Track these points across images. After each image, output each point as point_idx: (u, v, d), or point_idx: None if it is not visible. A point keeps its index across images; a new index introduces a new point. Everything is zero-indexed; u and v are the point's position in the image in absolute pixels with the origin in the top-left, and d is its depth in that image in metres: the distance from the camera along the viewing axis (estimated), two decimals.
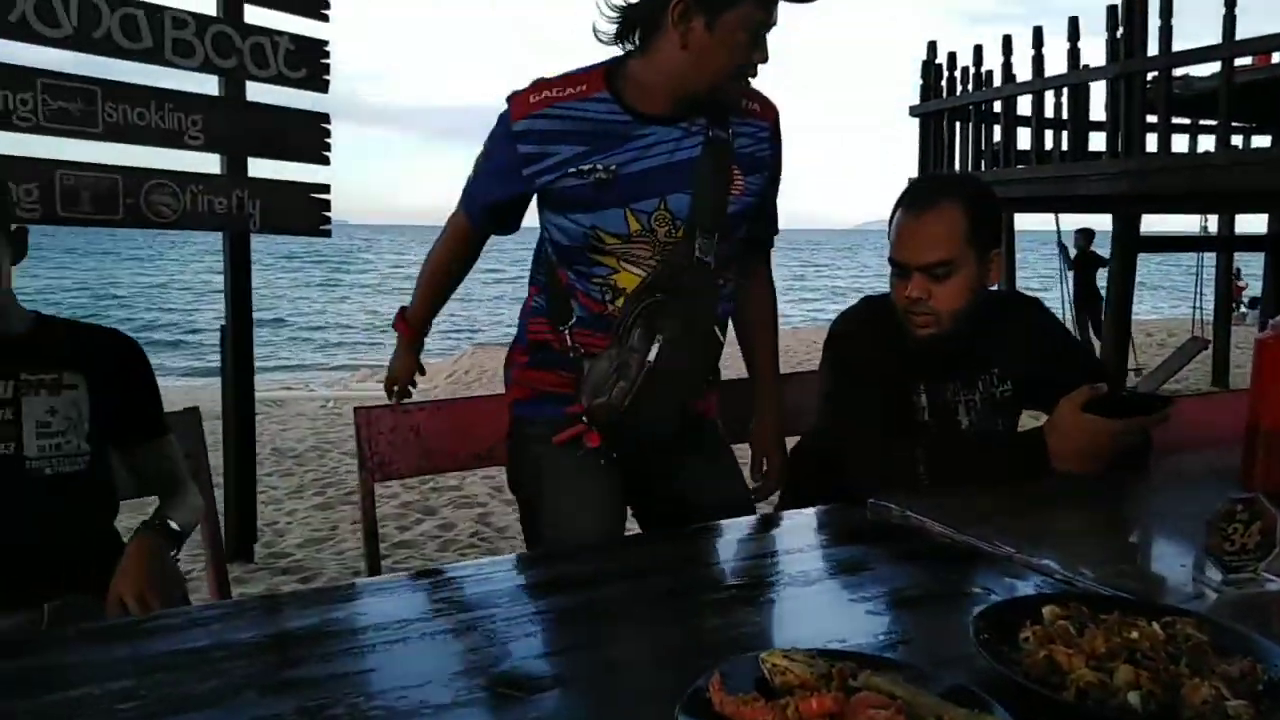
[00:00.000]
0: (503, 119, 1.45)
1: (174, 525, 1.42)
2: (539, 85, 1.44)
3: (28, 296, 1.45)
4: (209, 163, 3.00)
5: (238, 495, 3.15)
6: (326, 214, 3.28)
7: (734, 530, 1.35)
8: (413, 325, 1.74)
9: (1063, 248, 8.36)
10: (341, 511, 4.10)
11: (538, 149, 1.42)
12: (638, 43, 1.42)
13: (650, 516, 1.67)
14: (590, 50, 1.49)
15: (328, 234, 3.30)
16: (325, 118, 3.24)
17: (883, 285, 1.58)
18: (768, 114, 1.53)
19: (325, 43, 3.21)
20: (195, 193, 2.91)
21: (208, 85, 3.00)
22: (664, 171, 1.42)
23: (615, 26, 1.41)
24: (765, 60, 1.41)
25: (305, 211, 3.22)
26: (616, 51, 1.46)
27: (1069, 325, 7.24)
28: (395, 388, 1.79)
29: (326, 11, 3.22)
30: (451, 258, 1.67)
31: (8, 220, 1.34)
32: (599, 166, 1.40)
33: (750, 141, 1.50)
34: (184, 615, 1.09)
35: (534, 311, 1.58)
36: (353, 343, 19.48)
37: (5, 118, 2.54)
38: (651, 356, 1.42)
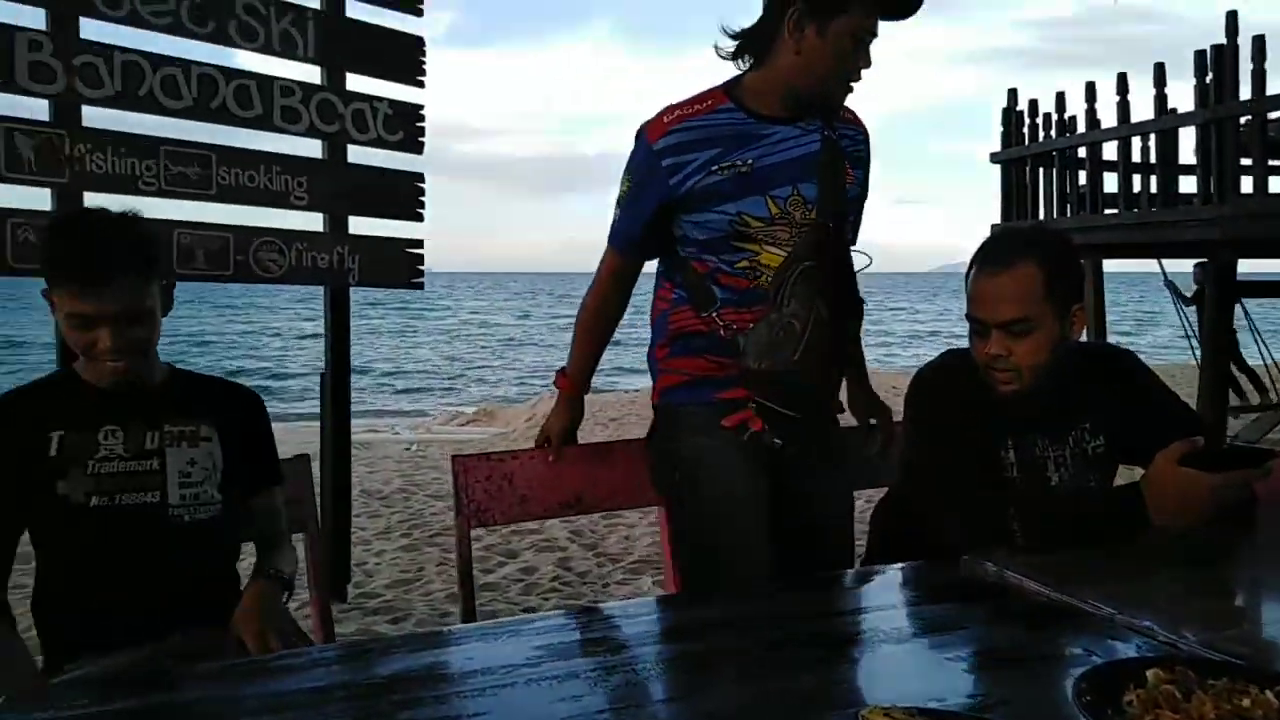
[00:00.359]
0: (641, 146, 1.64)
1: (285, 574, 1.51)
2: (669, 109, 1.63)
3: None
4: (313, 221, 3.17)
5: (334, 536, 3.27)
6: (420, 268, 3.42)
7: (829, 584, 1.36)
8: (573, 379, 1.81)
9: (1171, 286, 8.03)
10: (427, 554, 4.20)
11: (678, 160, 1.60)
12: (753, 59, 1.63)
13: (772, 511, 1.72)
14: (666, 96, 1.65)
15: (420, 287, 3.44)
16: (420, 177, 3.40)
17: (961, 330, 1.60)
18: (860, 124, 1.75)
19: (421, 107, 3.38)
20: (300, 249, 3.08)
21: (312, 149, 3.18)
22: (791, 164, 1.61)
23: (734, 46, 1.64)
24: (868, 66, 1.59)
25: (401, 266, 3.37)
26: (734, 70, 1.66)
27: (1195, 361, 6.89)
28: (549, 441, 1.83)
29: (422, 78, 3.40)
30: (607, 299, 1.77)
31: (162, 275, 1.46)
32: (737, 162, 1.59)
33: (851, 143, 1.71)
34: (306, 655, 1.16)
35: (675, 304, 1.70)
36: (432, 388, 19.97)
37: (132, 183, 2.74)
38: (817, 314, 1.58)
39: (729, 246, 1.61)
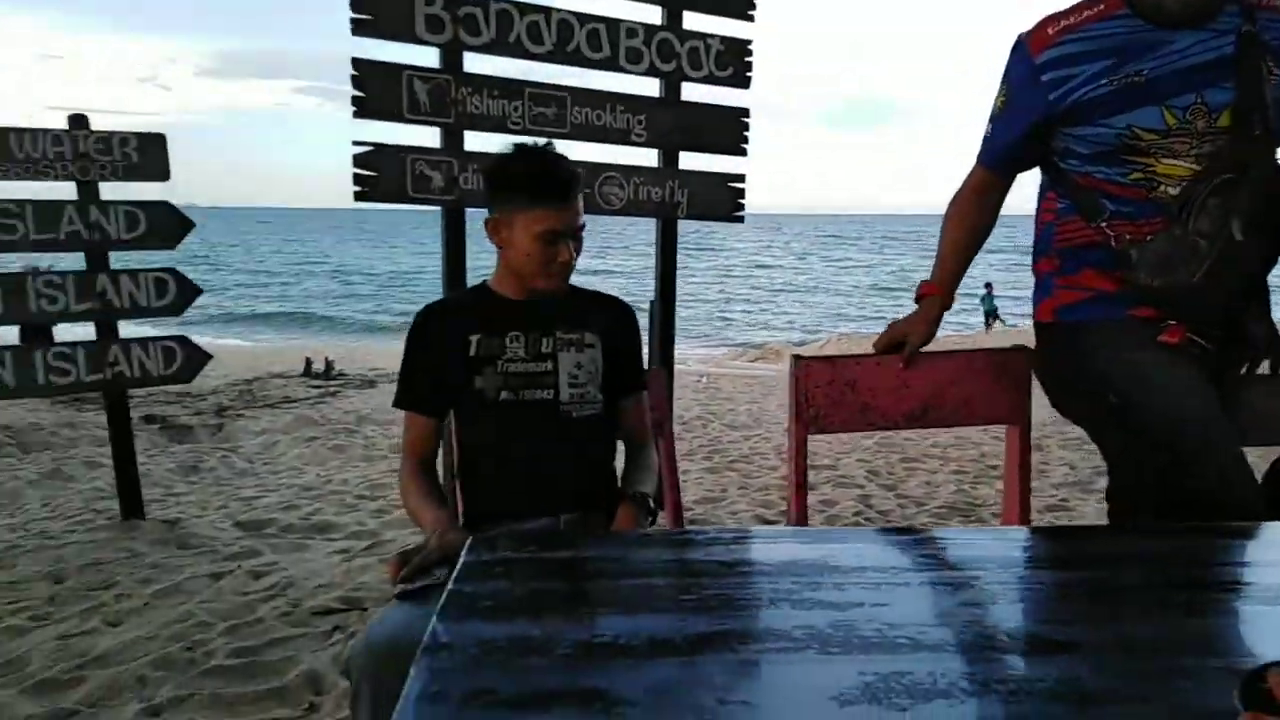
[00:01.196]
0: (1020, 59, 1.58)
1: (651, 502, 1.66)
2: (1054, 18, 1.56)
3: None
4: (648, 156, 3.37)
5: None
6: (741, 201, 3.52)
7: (1238, 533, 1.28)
8: (940, 283, 1.75)
9: None
10: (728, 477, 4.41)
11: (1063, 73, 1.53)
12: None
13: None
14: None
15: (741, 220, 3.54)
16: (745, 112, 3.47)
17: None
18: None
19: (749, 42, 3.44)
20: (637, 184, 3.30)
21: (649, 87, 3.36)
22: (1197, 70, 1.49)
23: None
24: None
25: (724, 199, 3.48)
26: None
27: None
28: (899, 346, 1.75)
29: (752, 13, 3.45)
30: (965, 214, 1.74)
31: None
32: (1130, 73, 1.49)
33: (1277, 35, 1.52)
34: (704, 534, 1.30)
35: (1061, 215, 1.65)
36: (713, 325, 20.47)
37: (502, 122, 3.08)
38: (1229, 234, 1.46)
39: (1118, 159, 1.53)
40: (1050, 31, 1.55)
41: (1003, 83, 1.64)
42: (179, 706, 2.12)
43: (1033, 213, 1.76)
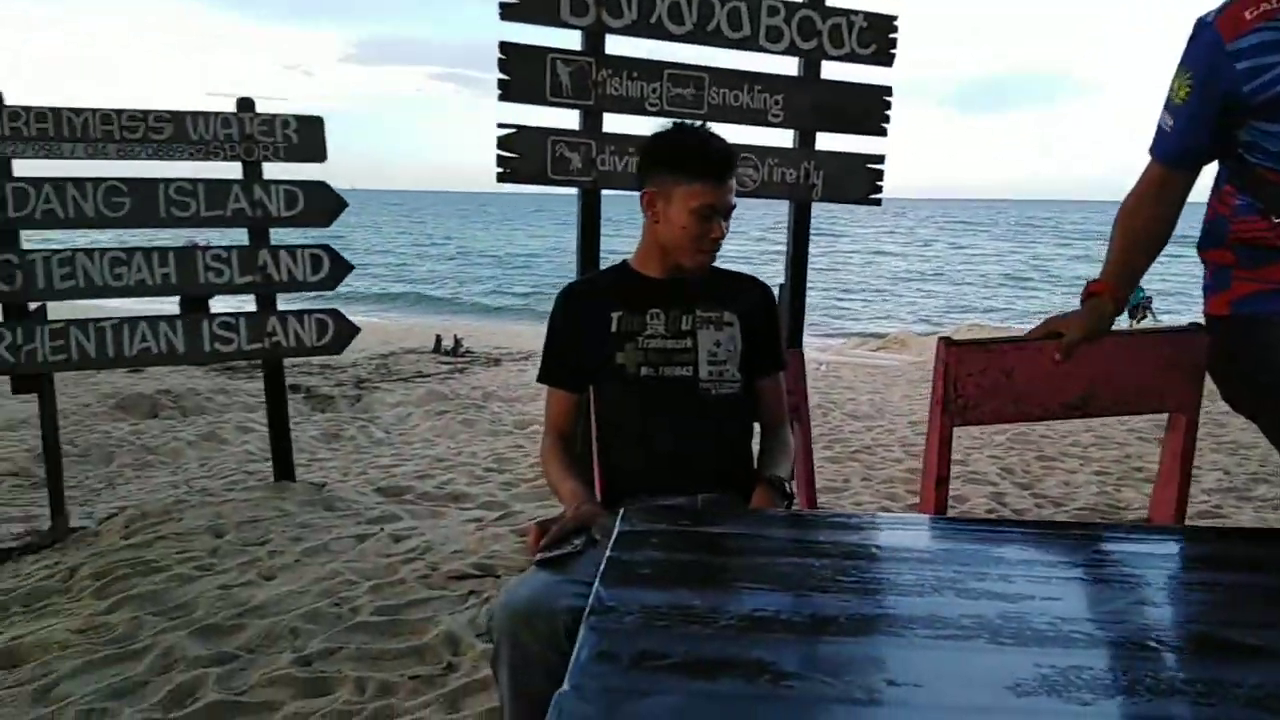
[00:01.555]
0: (1209, 43, 1.45)
1: (788, 486, 1.65)
2: (1248, 1, 1.41)
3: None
4: (783, 137, 3.32)
5: None
6: (879, 184, 3.43)
7: None
8: (1108, 281, 1.64)
9: None
10: (850, 467, 4.33)
11: (1263, 61, 1.40)
12: None
13: None
14: None
15: (878, 203, 3.45)
16: (888, 90, 3.37)
17: None
18: None
19: (894, 18, 3.33)
20: (771, 165, 3.26)
21: (787, 66, 3.30)
22: None
23: None
24: None
25: (861, 182, 3.40)
26: None
27: None
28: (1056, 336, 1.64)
29: None
30: (1139, 211, 1.63)
31: None
32: None
33: None
34: (856, 518, 1.28)
35: (1238, 211, 1.54)
36: (830, 314, 20.09)
37: (640, 104, 3.09)
38: None
39: None
40: (1247, 16, 1.41)
41: (1183, 69, 1.50)
42: (328, 658, 2.26)
43: (1194, 203, 1.64)
